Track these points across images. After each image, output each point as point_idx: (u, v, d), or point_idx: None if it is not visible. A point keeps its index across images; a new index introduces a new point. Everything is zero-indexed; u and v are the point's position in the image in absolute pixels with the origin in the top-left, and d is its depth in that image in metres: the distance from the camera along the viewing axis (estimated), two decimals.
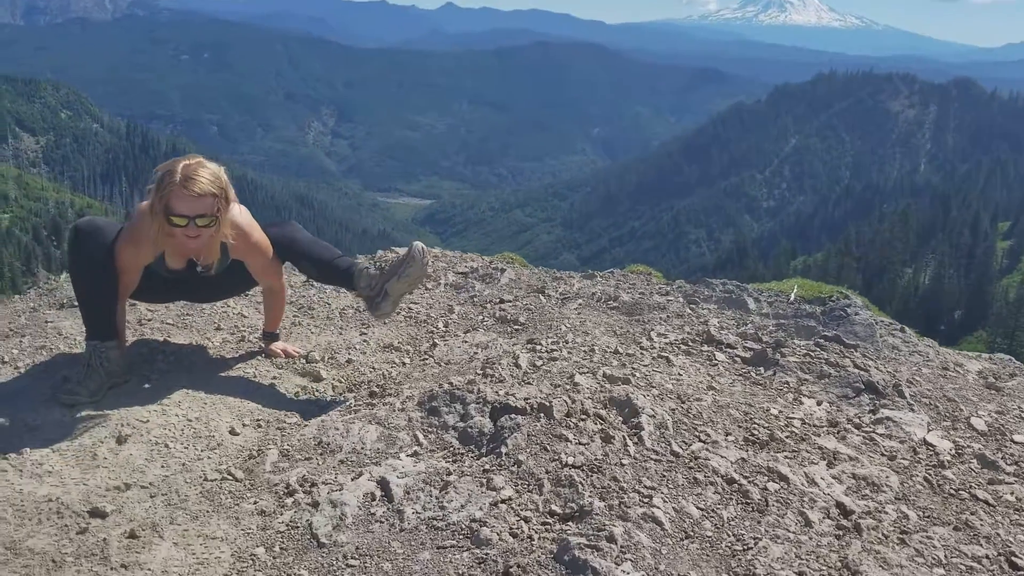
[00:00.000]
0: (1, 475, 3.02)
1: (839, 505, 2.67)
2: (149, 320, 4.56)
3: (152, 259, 3.70)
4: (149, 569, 2.57)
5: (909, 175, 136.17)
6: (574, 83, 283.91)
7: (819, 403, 3.48)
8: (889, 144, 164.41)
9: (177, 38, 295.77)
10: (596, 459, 2.87)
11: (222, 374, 3.97)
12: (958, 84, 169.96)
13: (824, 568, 2.36)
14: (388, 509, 2.79)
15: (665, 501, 2.62)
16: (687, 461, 2.88)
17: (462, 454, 3.12)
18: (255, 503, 2.92)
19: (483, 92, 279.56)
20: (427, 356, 4.17)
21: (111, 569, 2.56)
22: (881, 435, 3.20)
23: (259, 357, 4.17)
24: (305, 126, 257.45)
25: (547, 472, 2.84)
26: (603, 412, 3.17)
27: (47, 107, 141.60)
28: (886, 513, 2.66)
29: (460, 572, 2.43)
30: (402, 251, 6.25)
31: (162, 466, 3.14)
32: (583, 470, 2.81)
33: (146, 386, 3.76)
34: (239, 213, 3.69)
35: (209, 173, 3.44)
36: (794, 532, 2.53)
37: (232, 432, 3.42)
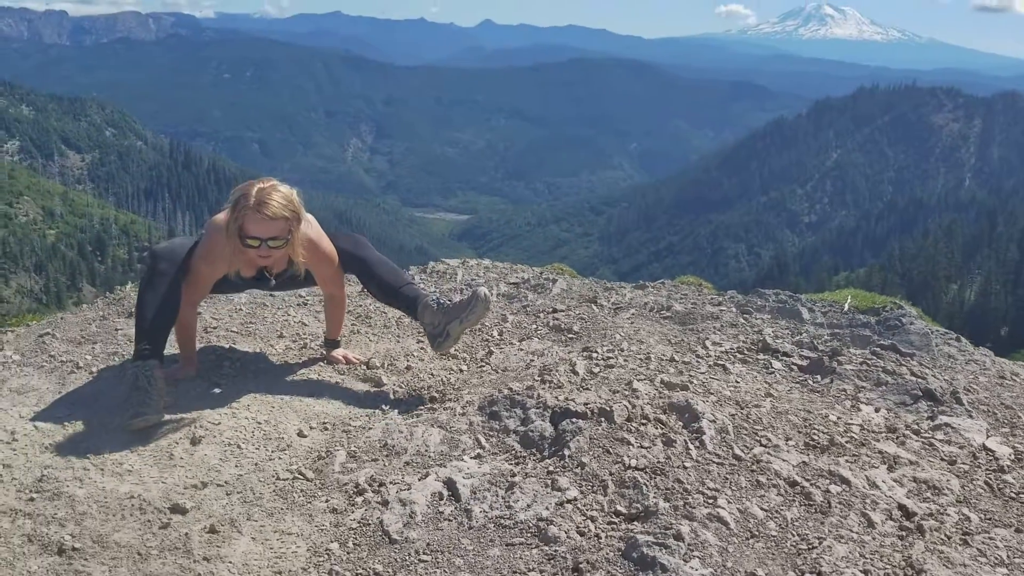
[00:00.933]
0: (84, 473, 3.16)
1: (901, 507, 2.71)
2: (215, 328, 4.71)
3: (225, 272, 3.85)
4: (230, 562, 2.68)
5: (954, 190, 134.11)
6: (612, 98, 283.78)
7: (877, 410, 3.51)
8: (933, 158, 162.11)
9: (220, 57, 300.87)
10: (659, 462, 2.94)
11: (287, 379, 4.10)
12: (1004, 98, 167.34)
13: (888, 567, 2.40)
14: (456, 508, 2.88)
15: (729, 502, 2.69)
16: (749, 464, 2.93)
17: (524, 457, 3.21)
18: (327, 501, 3.03)
19: (521, 107, 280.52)
20: (484, 363, 4.27)
21: (194, 562, 2.68)
22: (940, 441, 3.23)
23: (321, 364, 4.30)
24: (344, 143, 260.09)
25: (611, 474, 2.91)
26: (663, 417, 3.24)
27: (93, 125, 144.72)
28: (948, 515, 2.70)
29: (531, 568, 2.51)
30: (453, 262, 6.38)
31: (236, 466, 3.26)
32: (646, 472, 2.88)
33: (215, 391, 3.89)
34: (307, 226, 3.83)
35: (282, 196, 3.59)
36: (857, 532, 2.57)
37: (300, 434, 3.54)
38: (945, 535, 2.59)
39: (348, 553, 2.72)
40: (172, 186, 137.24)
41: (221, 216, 3.76)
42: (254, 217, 3.52)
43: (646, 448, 3.02)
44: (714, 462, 2.94)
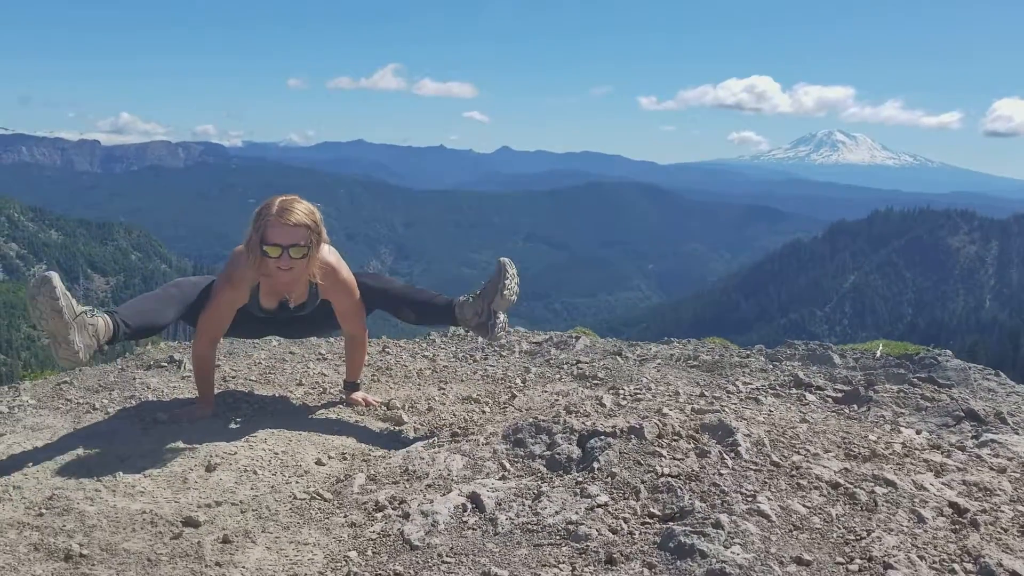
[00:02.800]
0: (95, 494, 3.05)
1: (952, 504, 2.55)
2: (233, 377, 4.64)
3: (247, 300, 3.81)
4: (244, 567, 2.55)
5: (974, 311, 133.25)
6: (627, 220, 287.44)
7: (918, 432, 3.36)
8: (951, 280, 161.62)
9: (245, 183, 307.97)
10: (693, 470, 2.80)
11: (305, 417, 4.00)
12: (1020, 220, 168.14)
13: (944, 555, 2.24)
14: (480, 518, 2.74)
15: (770, 500, 2.54)
16: (788, 470, 2.79)
17: (551, 478, 3.07)
18: (345, 517, 2.90)
19: (537, 230, 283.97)
20: (507, 405, 4.15)
21: (206, 567, 2.55)
22: (988, 454, 3.07)
23: (340, 406, 4.20)
24: (364, 264, 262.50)
25: (643, 481, 2.78)
26: (696, 435, 3.11)
27: (119, 249, 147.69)
28: (1003, 512, 2.53)
29: (561, 561, 2.36)
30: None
31: (251, 488, 3.14)
32: (680, 479, 2.75)
33: (232, 426, 3.80)
34: (328, 252, 3.81)
35: (304, 207, 3.59)
36: (907, 527, 2.41)
37: (318, 463, 3.43)
38: (1001, 528, 2.42)
39: (367, 560, 2.57)
40: None
41: (241, 246, 3.77)
42: (275, 223, 3.52)
43: (679, 460, 2.89)
44: (751, 468, 2.80)
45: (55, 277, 3.17)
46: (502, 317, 3.81)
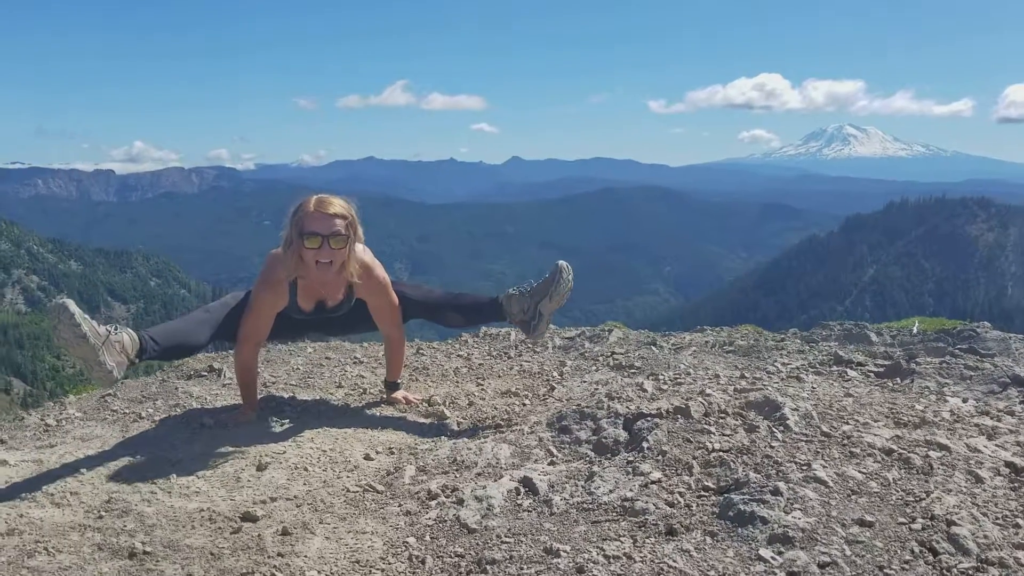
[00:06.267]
0: (151, 496, 3.10)
1: (1009, 464, 2.56)
2: (273, 383, 4.69)
3: (286, 302, 3.84)
4: (306, 556, 2.58)
5: (997, 299, 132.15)
6: (642, 224, 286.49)
7: (965, 400, 3.36)
8: (972, 269, 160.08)
9: (259, 206, 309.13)
10: (744, 444, 2.82)
11: (349, 416, 4.04)
12: None
13: (1006, 511, 2.25)
14: (535, 500, 2.77)
15: (825, 467, 2.55)
16: (839, 440, 2.80)
17: (600, 460, 3.09)
18: (400, 506, 2.93)
19: (552, 238, 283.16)
20: (547, 397, 4.18)
21: (268, 557, 2.58)
22: None
23: (382, 405, 4.24)
24: None
25: (694, 457, 2.80)
26: (742, 412, 3.13)
27: (138, 276, 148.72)
28: None
29: (621, 535, 2.38)
30: (505, 329, 6.34)
31: (304, 484, 3.18)
32: (732, 453, 2.76)
33: (277, 428, 3.84)
34: (363, 251, 3.85)
35: (341, 199, 3.66)
36: (966, 487, 2.42)
37: (367, 458, 3.46)
38: None
39: (426, 545, 2.60)
40: None
41: (277, 250, 3.81)
42: (314, 215, 3.57)
43: (728, 435, 2.91)
44: (802, 440, 2.81)
45: (71, 304, 3.16)
46: (546, 319, 3.85)
